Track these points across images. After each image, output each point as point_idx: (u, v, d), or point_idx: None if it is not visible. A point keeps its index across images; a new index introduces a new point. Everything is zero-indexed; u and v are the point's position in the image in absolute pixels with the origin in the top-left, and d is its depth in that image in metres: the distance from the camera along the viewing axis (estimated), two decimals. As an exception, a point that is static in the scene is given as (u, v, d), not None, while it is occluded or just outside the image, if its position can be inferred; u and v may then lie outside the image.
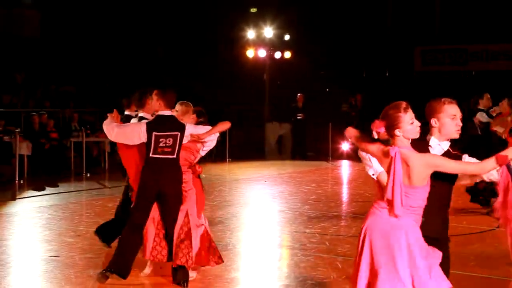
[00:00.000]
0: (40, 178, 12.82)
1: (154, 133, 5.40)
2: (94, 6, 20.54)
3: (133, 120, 6.18)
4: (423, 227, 3.56)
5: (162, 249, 5.64)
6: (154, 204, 5.57)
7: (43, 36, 19.93)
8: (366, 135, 3.67)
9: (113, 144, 12.21)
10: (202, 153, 5.93)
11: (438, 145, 3.66)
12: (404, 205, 3.45)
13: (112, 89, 18.29)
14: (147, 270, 5.88)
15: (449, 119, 3.65)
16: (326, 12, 22.05)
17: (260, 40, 19.50)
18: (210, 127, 5.73)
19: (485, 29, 20.23)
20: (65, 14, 20.06)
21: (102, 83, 19.02)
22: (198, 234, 5.65)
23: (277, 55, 19.62)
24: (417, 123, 3.52)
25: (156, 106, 5.55)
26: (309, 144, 17.89)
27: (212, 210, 9.41)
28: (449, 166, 3.48)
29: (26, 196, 10.85)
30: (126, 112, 6.56)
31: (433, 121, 3.68)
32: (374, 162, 3.70)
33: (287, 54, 19.75)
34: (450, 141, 3.73)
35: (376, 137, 3.55)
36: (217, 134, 5.87)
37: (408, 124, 3.49)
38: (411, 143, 3.54)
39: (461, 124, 3.66)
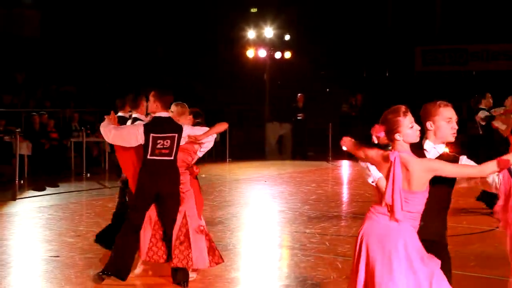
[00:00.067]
0: (40, 178, 12.83)
1: (151, 134, 5.39)
2: (94, 6, 20.55)
3: (128, 122, 6.17)
4: (422, 231, 3.55)
5: (158, 249, 5.64)
6: (152, 201, 5.57)
7: (43, 36, 19.94)
8: (362, 143, 3.67)
9: (112, 144, 12.18)
10: (200, 154, 5.93)
11: (434, 148, 3.64)
12: (403, 209, 3.45)
13: (112, 89, 18.28)
14: (138, 270, 5.87)
15: (444, 122, 3.63)
16: (326, 12, 22.06)
17: (261, 40, 19.50)
18: (207, 128, 5.73)
19: (485, 29, 20.23)
20: (65, 14, 20.06)
21: (102, 83, 19.03)
22: (197, 235, 5.65)
23: (278, 55, 19.62)
24: (417, 127, 3.51)
25: (153, 108, 5.54)
26: (309, 144, 17.89)
27: (212, 210, 9.41)
28: (449, 170, 3.46)
29: (27, 196, 10.85)
30: (120, 114, 6.54)
31: (428, 124, 3.66)
32: (373, 169, 3.68)
33: (287, 54, 19.75)
34: (446, 142, 3.71)
35: (376, 141, 3.53)
36: (215, 135, 5.85)
37: (408, 128, 3.48)
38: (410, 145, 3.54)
39: (456, 127, 3.64)
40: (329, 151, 17.17)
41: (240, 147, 18.15)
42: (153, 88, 5.62)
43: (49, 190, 11.40)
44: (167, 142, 5.44)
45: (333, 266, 6.33)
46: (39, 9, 20.17)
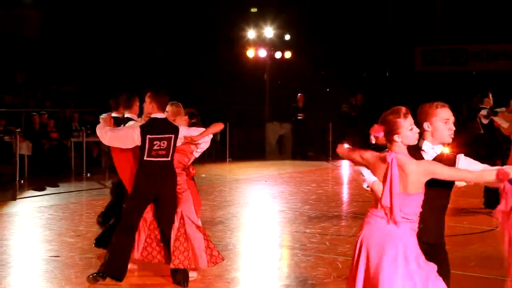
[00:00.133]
0: (40, 178, 12.83)
1: (148, 136, 5.39)
2: (94, 6, 20.55)
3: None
4: (422, 233, 3.54)
5: (153, 250, 5.65)
6: (148, 202, 5.56)
7: (43, 36, 19.94)
8: (356, 147, 3.66)
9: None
10: (196, 154, 5.93)
11: (432, 149, 3.63)
12: (401, 211, 3.44)
13: (112, 89, 18.28)
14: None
15: (441, 123, 3.62)
16: (326, 12, 22.06)
17: (261, 40, 19.50)
18: (203, 129, 5.73)
19: (485, 29, 20.23)
20: (65, 14, 20.06)
21: (102, 83, 19.02)
22: (195, 236, 5.65)
23: (278, 55, 19.62)
24: (416, 130, 3.50)
25: (149, 109, 5.52)
26: (309, 144, 17.89)
27: (212, 210, 9.42)
28: (447, 173, 3.44)
29: (27, 196, 10.85)
30: (114, 114, 6.54)
31: (426, 125, 3.65)
32: (367, 173, 3.66)
33: (288, 54, 19.75)
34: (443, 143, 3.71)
35: (373, 141, 3.52)
36: (211, 136, 5.84)
37: (408, 130, 3.47)
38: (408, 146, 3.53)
39: (453, 128, 3.63)
40: (329, 151, 17.17)
41: (240, 147, 18.15)
42: (149, 89, 5.60)
43: (49, 190, 11.40)
44: (163, 143, 5.43)
45: (333, 266, 6.33)
46: (39, 9, 20.17)
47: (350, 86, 20.23)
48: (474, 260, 6.51)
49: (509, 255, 3.54)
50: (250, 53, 19.42)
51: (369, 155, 3.56)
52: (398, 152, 3.45)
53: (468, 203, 9.12)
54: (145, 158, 5.41)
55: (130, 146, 5.46)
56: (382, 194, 3.45)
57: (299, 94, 17.83)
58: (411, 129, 3.47)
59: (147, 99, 5.52)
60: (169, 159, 5.49)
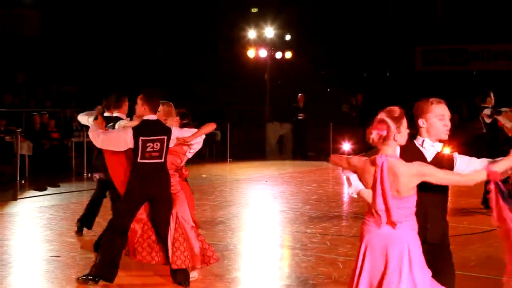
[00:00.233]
0: (41, 178, 12.83)
1: (141, 138, 5.38)
2: (94, 6, 20.56)
3: (117, 125, 6.15)
4: (430, 234, 3.54)
5: (143, 250, 5.67)
6: (142, 205, 5.57)
7: (43, 36, 19.94)
8: (344, 155, 3.66)
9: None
10: (189, 155, 5.93)
11: (432, 146, 3.62)
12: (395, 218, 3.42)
13: (113, 89, 18.28)
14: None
15: (436, 119, 3.60)
16: (326, 12, 22.06)
17: (261, 40, 19.50)
18: (195, 130, 5.75)
19: (485, 29, 20.23)
20: (65, 14, 20.07)
21: (103, 83, 19.02)
22: (192, 236, 5.67)
23: (278, 55, 19.62)
24: (407, 130, 3.50)
25: (141, 111, 5.51)
26: (310, 144, 17.89)
27: (213, 210, 9.42)
28: (438, 176, 3.41)
29: (27, 196, 10.86)
30: (106, 114, 6.56)
31: (420, 122, 3.64)
32: (354, 179, 3.65)
33: (288, 54, 19.75)
34: (448, 142, 3.71)
35: (370, 141, 3.49)
36: (203, 136, 5.84)
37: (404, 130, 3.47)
38: (404, 145, 3.52)
39: (449, 125, 3.60)
40: (329, 151, 17.16)
41: (241, 147, 18.15)
42: (141, 90, 5.59)
43: (50, 190, 11.40)
44: (156, 145, 5.43)
45: (334, 266, 6.33)
46: (39, 9, 20.17)
47: (350, 86, 20.23)
48: (475, 260, 6.51)
49: (507, 255, 3.53)
50: (251, 53, 19.43)
51: (356, 160, 3.54)
52: (389, 154, 3.42)
53: (468, 203, 9.12)
54: (138, 160, 5.40)
55: (123, 149, 5.45)
56: (374, 199, 3.41)
57: (299, 94, 17.83)
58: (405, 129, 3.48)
59: (139, 101, 5.51)
60: (162, 160, 5.49)
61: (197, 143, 5.82)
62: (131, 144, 5.39)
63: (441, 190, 3.59)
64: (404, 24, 21.77)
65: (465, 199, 9.14)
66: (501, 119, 9.10)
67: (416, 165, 3.42)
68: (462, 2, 21.17)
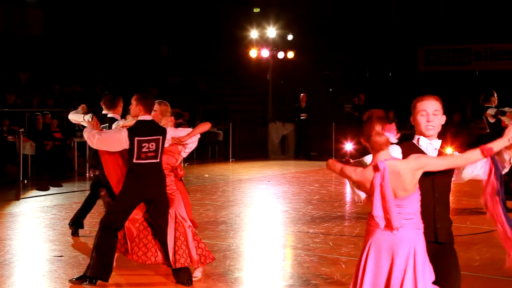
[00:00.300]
0: (43, 178, 12.85)
1: (136, 138, 5.39)
2: (98, 5, 20.57)
3: (114, 125, 6.15)
4: (440, 234, 3.53)
5: (139, 250, 5.67)
6: (137, 206, 5.57)
7: (46, 35, 19.96)
8: (340, 164, 3.59)
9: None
10: (184, 155, 5.95)
11: (430, 144, 3.62)
12: (400, 215, 3.42)
13: (116, 88, 18.32)
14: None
15: (420, 116, 3.62)
16: (329, 12, 22.04)
17: (263, 40, 19.50)
18: (190, 129, 5.78)
19: (488, 28, 20.20)
20: (69, 13, 20.09)
21: (106, 83, 19.04)
22: (189, 235, 5.68)
23: (280, 55, 19.62)
24: None
25: (136, 111, 5.52)
26: (312, 144, 17.88)
27: (215, 210, 9.42)
28: (436, 163, 3.46)
29: (30, 196, 10.87)
30: (104, 112, 6.57)
31: (411, 120, 3.69)
32: (353, 187, 3.63)
33: (290, 54, 19.74)
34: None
35: (376, 146, 3.45)
36: (198, 136, 5.87)
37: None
38: (401, 145, 3.51)
39: (431, 120, 3.59)
40: (332, 151, 17.17)
41: (243, 147, 18.15)
42: (135, 92, 5.60)
43: (52, 190, 11.41)
44: (152, 145, 5.44)
45: (336, 266, 6.33)
46: (42, 8, 20.19)
47: (353, 86, 20.22)
48: (478, 261, 6.50)
49: (502, 237, 3.53)
50: (253, 53, 19.42)
51: (350, 171, 3.49)
52: (386, 158, 3.41)
53: (472, 203, 9.10)
54: (134, 161, 5.40)
55: (118, 149, 5.46)
56: (373, 205, 3.40)
57: (301, 94, 17.83)
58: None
59: (133, 102, 5.52)
60: (158, 160, 5.51)
61: (192, 143, 5.85)
62: (126, 145, 5.39)
63: (444, 187, 3.59)
64: (407, 24, 21.75)
65: (468, 199, 9.13)
66: (505, 119, 9.08)
67: (413, 159, 3.44)
68: (464, 2, 21.14)
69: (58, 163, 13.74)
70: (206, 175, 13.68)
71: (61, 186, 11.81)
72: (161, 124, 5.70)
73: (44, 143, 13.67)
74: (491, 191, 3.51)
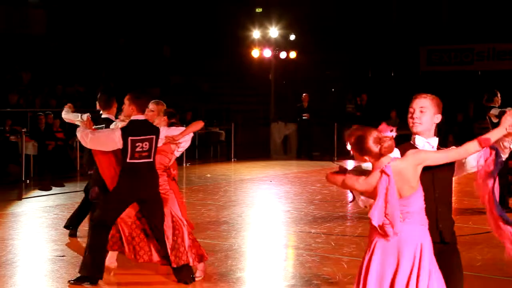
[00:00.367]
0: (46, 178, 12.86)
1: (130, 138, 5.40)
2: (101, 5, 20.59)
3: (112, 125, 6.17)
4: (444, 233, 3.53)
5: (132, 248, 5.70)
6: (130, 205, 5.57)
7: (49, 35, 19.98)
8: (340, 176, 3.57)
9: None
10: (177, 154, 5.97)
11: (427, 142, 3.61)
12: (404, 215, 3.40)
13: (118, 88, 18.33)
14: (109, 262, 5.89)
15: (409, 114, 3.64)
16: (331, 12, 22.03)
17: (266, 40, 19.51)
18: (183, 128, 5.79)
19: (491, 28, 20.17)
20: (71, 13, 20.11)
21: (108, 83, 19.06)
22: (186, 234, 5.70)
23: (283, 55, 19.62)
24: None
25: (129, 111, 5.54)
26: (314, 144, 17.88)
27: (217, 210, 9.43)
28: (435, 157, 3.45)
29: (32, 195, 10.88)
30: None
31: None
32: (358, 195, 3.62)
33: (293, 54, 19.75)
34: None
35: (380, 151, 3.41)
36: (191, 134, 5.89)
37: None
38: (399, 147, 3.51)
39: (416, 117, 3.59)
40: (334, 151, 17.16)
41: (245, 147, 18.15)
42: (128, 92, 5.62)
43: (55, 190, 11.42)
44: (145, 144, 5.45)
45: (338, 266, 6.33)
46: (45, 8, 20.21)
47: (355, 86, 20.21)
48: (480, 261, 6.50)
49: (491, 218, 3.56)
50: (255, 53, 19.43)
51: (354, 182, 3.47)
52: (389, 159, 3.39)
53: (474, 203, 9.09)
54: (128, 161, 5.41)
55: (112, 149, 5.47)
56: (373, 211, 3.37)
57: (304, 94, 17.82)
58: None
59: (126, 101, 5.54)
60: (151, 160, 5.52)
61: (185, 142, 5.87)
62: (120, 144, 5.40)
63: (444, 187, 3.59)
64: (409, 24, 21.73)
65: (470, 199, 9.12)
66: None
67: (411, 155, 3.43)
68: (467, 2, 21.12)
69: (60, 163, 13.75)
70: (208, 175, 13.69)
71: (63, 186, 11.81)
72: (154, 124, 5.72)
73: (47, 143, 13.68)
74: (484, 174, 3.49)
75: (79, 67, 19.12)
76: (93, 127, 5.72)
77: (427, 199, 3.49)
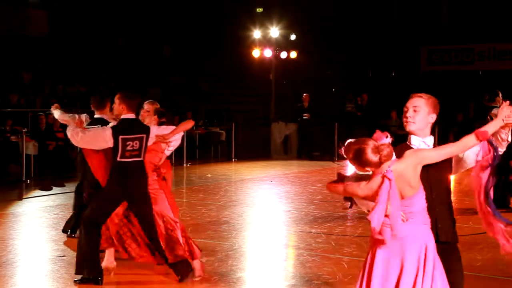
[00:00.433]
0: (46, 178, 12.86)
1: (120, 136, 5.40)
2: (101, 5, 20.60)
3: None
4: (441, 233, 3.53)
5: (119, 245, 5.73)
6: (120, 204, 5.58)
7: (50, 35, 19.99)
8: (340, 185, 3.57)
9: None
10: (167, 153, 5.98)
11: (423, 142, 3.61)
12: (407, 215, 3.40)
13: (119, 88, 18.32)
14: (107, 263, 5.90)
15: (403, 113, 3.65)
16: (332, 12, 22.03)
17: (266, 40, 19.51)
18: (173, 127, 5.81)
19: (492, 28, 20.16)
20: (72, 13, 20.12)
21: (109, 83, 19.06)
22: (179, 231, 5.73)
23: (283, 55, 19.62)
24: None
25: (119, 110, 5.55)
26: (315, 144, 17.88)
27: (218, 210, 9.43)
28: (433, 155, 3.44)
29: (33, 195, 10.89)
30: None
31: None
32: (360, 200, 3.61)
33: (293, 54, 19.75)
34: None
35: (379, 161, 3.38)
36: (182, 133, 5.92)
37: None
38: (395, 148, 3.50)
39: (408, 116, 3.59)
40: (334, 151, 17.15)
41: (246, 147, 18.15)
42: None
43: (55, 189, 11.42)
44: (136, 143, 5.46)
45: (339, 266, 6.33)
46: (46, 8, 20.22)
47: (355, 86, 20.21)
48: (480, 261, 6.50)
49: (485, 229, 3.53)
50: (256, 53, 19.43)
51: (356, 188, 3.46)
52: (389, 163, 3.38)
53: (474, 203, 9.08)
54: (118, 159, 5.41)
55: (102, 147, 5.47)
56: (373, 215, 3.36)
57: (304, 94, 17.82)
58: None
59: (117, 100, 5.55)
60: (141, 159, 5.54)
61: (175, 140, 5.90)
62: (110, 143, 5.40)
63: (442, 187, 3.58)
64: (410, 24, 21.73)
65: (470, 199, 9.10)
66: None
67: (409, 155, 3.42)
68: (468, 2, 21.11)
69: (60, 163, 13.75)
70: (209, 175, 13.69)
71: (63, 186, 11.81)
72: (144, 123, 5.74)
73: (47, 143, 13.68)
74: (480, 169, 3.48)
75: (80, 67, 19.13)
76: (85, 126, 5.72)
77: (426, 199, 3.49)
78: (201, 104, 19.98)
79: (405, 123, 3.62)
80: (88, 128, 5.86)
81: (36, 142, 13.38)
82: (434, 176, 3.52)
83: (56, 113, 6.50)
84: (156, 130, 5.67)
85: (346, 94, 19.55)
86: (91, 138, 5.47)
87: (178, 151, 15.80)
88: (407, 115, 3.61)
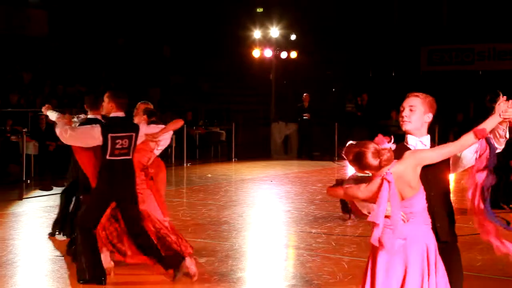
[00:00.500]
0: (47, 178, 12.86)
1: (110, 135, 5.41)
2: (101, 5, 20.59)
3: None
4: (440, 233, 3.53)
5: (115, 245, 5.72)
6: (111, 204, 5.59)
7: (50, 35, 20.00)
8: (340, 188, 3.55)
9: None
10: (157, 152, 5.99)
11: (420, 141, 3.61)
12: (408, 216, 3.40)
13: (119, 88, 18.33)
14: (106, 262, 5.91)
15: (399, 113, 3.65)
16: (332, 12, 22.03)
17: (266, 40, 19.51)
18: (163, 126, 5.82)
19: (492, 28, 20.16)
20: (72, 13, 20.11)
21: (109, 83, 19.06)
22: (169, 229, 5.75)
23: (283, 55, 19.62)
24: None
25: (108, 108, 5.58)
26: (315, 144, 17.88)
27: (218, 210, 9.43)
28: (432, 155, 3.43)
29: (33, 195, 10.89)
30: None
31: None
32: (360, 202, 3.61)
33: (293, 54, 19.75)
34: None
35: (380, 164, 3.38)
36: (171, 132, 5.94)
37: None
38: (396, 147, 3.51)
39: (404, 115, 3.59)
40: (334, 151, 17.15)
41: (246, 147, 18.15)
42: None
43: (55, 190, 11.41)
44: (125, 141, 5.47)
45: (339, 266, 6.33)
46: (46, 8, 20.22)
47: (356, 86, 20.21)
48: (480, 261, 6.50)
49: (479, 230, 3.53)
50: (256, 53, 19.43)
51: (356, 191, 3.46)
52: (390, 166, 3.38)
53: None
54: (108, 157, 5.42)
55: (91, 145, 5.48)
56: (374, 217, 3.35)
57: (304, 94, 17.82)
58: None
59: (106, 99, 5.58)
60: (130, 157, 5.55)
61: (165, 139, 5.92)
62: (99, 141, 5.41)
63: (440, 186, 3.58)
64: (410, 24, 21.73)
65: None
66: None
67: (409, 157, 3.42)
68: (468, 2, 21.11)
69: (61, 163, 13.73)
70: (209, 175, 13.69)
71: (64, 186, 11.80)
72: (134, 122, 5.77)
73: (47, 143, 13.68)
74: (476, 168, 3.47)
75: (80, 67, 19.12)
76: (78, 126, 5.72)
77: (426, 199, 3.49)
78: (201, 104, 19.98)
79: (401, 123, 3.62)
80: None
81: (36, 142, 13.38)
82: (432, 175, 3.52)
83: (50, 114, 6.49)
84: (145, 129, 5.69)
85: (346, 94, 19.54)
86: (79, 135, 5.47)
87: (178, 151, 15.82)
88: (403, 114, 3.61)
